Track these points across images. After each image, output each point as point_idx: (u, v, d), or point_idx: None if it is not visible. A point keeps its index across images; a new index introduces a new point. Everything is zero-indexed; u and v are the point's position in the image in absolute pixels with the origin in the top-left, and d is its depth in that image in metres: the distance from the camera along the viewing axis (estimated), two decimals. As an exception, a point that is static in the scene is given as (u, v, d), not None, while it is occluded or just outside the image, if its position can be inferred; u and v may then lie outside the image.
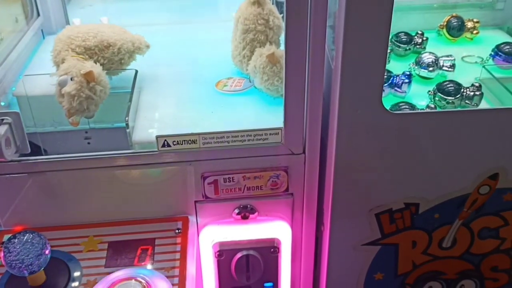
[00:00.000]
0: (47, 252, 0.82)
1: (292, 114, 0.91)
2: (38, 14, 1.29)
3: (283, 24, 1.11)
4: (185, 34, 1.39)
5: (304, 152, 0.95)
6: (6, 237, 0.94)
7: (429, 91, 1.05)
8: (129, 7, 1.48)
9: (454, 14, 1.28)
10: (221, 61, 1.22)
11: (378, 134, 0.90)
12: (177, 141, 0.91)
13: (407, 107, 0.99)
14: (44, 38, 1.33)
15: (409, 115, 0.93)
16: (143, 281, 0.84)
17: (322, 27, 0.83)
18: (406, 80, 1.07)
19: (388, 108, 0.90)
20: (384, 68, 0.83)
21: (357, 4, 0.77)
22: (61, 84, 0.94)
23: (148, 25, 1.33)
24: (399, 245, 1.03)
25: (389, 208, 0.98)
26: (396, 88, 1.07)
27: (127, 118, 0.96)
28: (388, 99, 1.05)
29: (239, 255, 1.00)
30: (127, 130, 0.96)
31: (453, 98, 1.01)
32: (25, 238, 0.80)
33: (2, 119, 0.85)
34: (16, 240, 0.80)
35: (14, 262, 0.80)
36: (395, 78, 1.07)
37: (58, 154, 1.09)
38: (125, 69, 1.08)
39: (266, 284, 1.05)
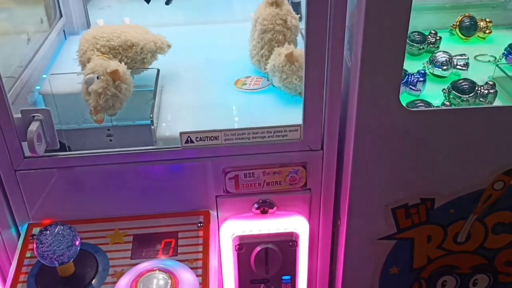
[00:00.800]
0: (77, 243, 0.85)
1: (311, 111, 0.94)
2: (61, 15, 1.32)
3: (300, 24, 1.15)
4: (201, 34, 1.42)
5: (322, 148, 0.98)
6: (35, 230, 0.97)
7: (443, 89, 1.08)
8: (145, 8, 1.51)
9: (466, 14, 1.30)
10: (238, 61, 1.25)
11: (395, 131, 0.93)
12: (200, 137, 0.94)
13: (422, 104, 1.01)
14: (66, 38, 1.37)
15: (425, 112, 0.96)
16: (168, 271, 0.87)
17: (341, 26, 0.85)
18: (421, 79, 1.09)
19: (404, 105, 0.93)
20: (402, 66, 0.85)
21: (377, 3, 0.80)
22: (88, 83, 0.98)
23: (164, 25, 1.36)
24: (414, 240, 1.06)
25: (405, 203, 1.00)
26: (411, 87, 1.10)
27: (151, 115, 0.99)
28: (403, 97, 1.07)
29: (258, 248, 1.03)
30: (152, 127, 0.99)
31: (467, 96, 1.04)
32: (57, 230, 0.84)
33: (34, 116, 0.89)
34: (48, 232, 0.84)
35: (46, 253, 0.83)
36: (410, 77, 1.09)
37: (81, 150, 1.13)
38: (148, 68, 1.12)
39: (284, 277, 1.08)
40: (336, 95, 0.92)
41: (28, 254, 0.93)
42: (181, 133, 0.94)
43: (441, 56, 1.15)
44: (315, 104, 0.93)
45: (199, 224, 0.99)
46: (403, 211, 1.01)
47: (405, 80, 1.09)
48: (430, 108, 1.00)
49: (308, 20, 0.85)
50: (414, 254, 1.08)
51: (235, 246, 1.03)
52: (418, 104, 1.01)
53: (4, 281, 1.04)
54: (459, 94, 1.04)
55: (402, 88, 1.09)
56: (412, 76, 1.10)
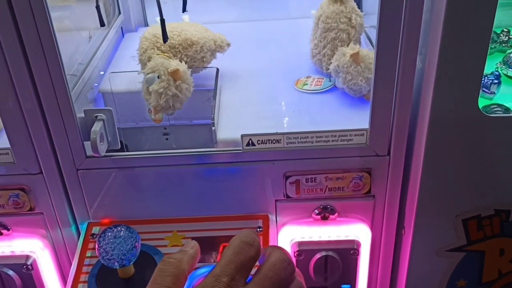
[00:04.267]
0: (138, 246, 0.84)
1: (379, 115, 0.89)
2: (119, 12, 1.32)
3: (364, 22, 1.10)
4: (256, 31, 1.39)
5: (389, 153, 0.93)
6: (94, 229, 0.98)
7: (520, 92, 1.01)
8: (199, 5, 1.50)
9: (543, 10, 1.21)
10: (297, 59, 1.22)
11: (471, 138, 0.87)
12: (262, 140, 0.92)
13: (499, 109, 0.95)
14: (123, 36, 1.37)
15: (505, 119, 0.89)
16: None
17: (417, 25, 0.80)
18: (496, 81, 1.02)
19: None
20: (483, 69, 0.79)
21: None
22: (149, 82, 0.97)
23: (218, 22, 1.34)
24: (485, 252, 1.00)
25: (477, 214, 0.94)
26: (484, 89, 1.03)
27: (213, 116, 0.97)
28: (477, 101, 1.01)
29: (318, 255, 0.99)
30: (213, 128, 0.97)
31: (548, 100, 0.96)
32: (118, 231, 0.83)
33: (96, 116, 0.88)
34: (110, 233, 0.83)
35: (106, 255, 0.82)
36: (483, 79, 1.03)
37: (137, 149, 1.12)
38: (207, 67, 1.10)
39: (344, 286, 1.04)
40: (406, 98, 0.87)
41: (88, 254, 0.93)
42: (242, 136, 0.91)
43: (516, 57, 1.08)
44: (383, 108, 0.88)
45: (258, 229, 0.96)
46: (475, 223, 0.95)
47: (478, 82, 1.02)
48: (510, 115, 0.93)
49: (381, 18, 0.80)
50: (484, 267, 1.02)
51: (294, 252, 0.99)
52: (495, 109, 0.95)
53: (63, 277, 1.05)
54: (538, 98, 0.97)
55: (475, 91, 1.03)
56: (486, 78, 1.03)
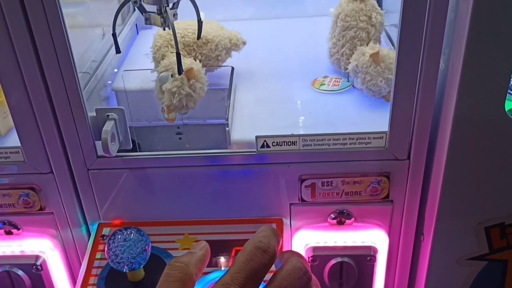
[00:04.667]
0: (148, 249, 0.82)
1: (399, 117, 0.86)
2: (134, 9, 1.30)
3: (385, 21, 1.06)
4: (273, 29, 1.36)
5: (409, 158, 0.90)
6: (105, 230, 0.96)
7: (548, 95, 0.96)
8: (214, 2, 1.47)
9: None
10: (314, 59, 1.18)
11: (496, 142, 0.83)
12: (277, 142, 0.89)
13: (526, 113, 0.90)
14: (138, 33, 1.35)
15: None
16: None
17: (441, 25, 0.77)
18: (523, 83, 0.98)
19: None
20: (510, 70, 0.75)
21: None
22: (162, 81, 0.95)
23: (234, 20, 1.31)
24: (508, 262, 0.96)
25: (501, 222, 0.90)
26: (510, 92, 0.99)
27: (227, 116, 0.95)
28: (502, 103, 0.97)
29: (333, 261, 0.96)
30: (227, 129, 0.95)
31: None
32: (128, 234, 0.81)
33: (108, 115, 0.86)
34: (119, 236, 0.81)
35: (116, 257, 0.81)
36: (511, 81, 0.98)
37: (150, 148, 1.11)
38: (222, 65, 1.07)
39: (359, 293, 1.01)
40: (429, 101, 0.83)
41: (98, 256, 0.91)
42: (257, 137, 0.88)
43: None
44: (404, 110, 0.85)
45: (272, 233, 0.93)
46: (498, 231, 0.91)
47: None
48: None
49: (403, 17, 0.77)
50: (506, 277, 0.98)
51: (309, 257, 0.96)
52: (522, 113, 0.90)
53: (73, 278, 1.04)
54: None
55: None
56: (512, 80, 0.99)
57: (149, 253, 0.83)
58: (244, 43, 1.08)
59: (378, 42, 1.05)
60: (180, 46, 1.01)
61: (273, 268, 0.53)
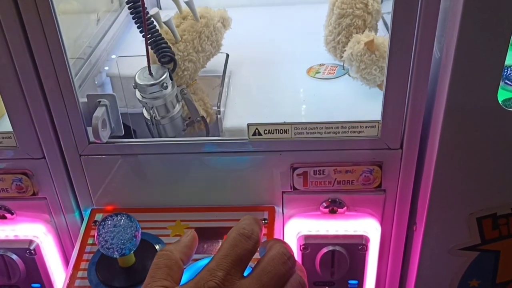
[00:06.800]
0: (138, 235, 0.82)
1: (392, 106, 0.85)
2: (131, -5, 1.29)
3: (382, 8, 1.05)
4: (269, 17, 1.35)
5: (401, 147, 0.89)
6: (97, 216, 0.96)
7: (545, 85, 0.95)
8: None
9: None
10: (310, 46, 1.17)
11: (488, 132, 0.82)
12: (269, 130, 0.88)
13: (521, 103, 0.89)
14: (135, 18, 1.34)
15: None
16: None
17: (434, 11, 0.75)
18: (519, 73, 0.97)
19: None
20: (504, 60, 0.74)
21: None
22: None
23: (229, 6, 1.30)
24: (500, 252, 0.95)
25: (493, 213, 0.90)
26: (506, 81, 0.98)
27: (219, 104, 0.94)
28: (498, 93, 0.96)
29: (325, 250, 0.96)
30: (219, 116, 0.94)
31: None
32: (118, 220, 0.81)
33: (99, 101, 0.86)
34: (109, 222, 0.81)
35: (106, 243, 0.81)
36: (506, 70, 0.97)
37: (145, 135, 1.10)
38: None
39: (351, 281, 1.01)
40: (421, 90, 0.82)
41: (90, 241, 0.92)
42: (248, 125, 0.88)
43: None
44: (397, 99, 0.84)
45: (263, 221, 0.93)
46: (490, 221, 0.91)
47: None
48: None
49: (396, 2, 0.76)
50: (498, 267, 0.97)
51: (300, 246, 0.97)
52: (516, 103, 0.90)
53: (66, 263, 1.04)
54: None
55: (496, 83, 0.97)
56: (509, 69, 0.98)
57: (139, 239, 0.83)
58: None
59: (375, 30, 1.04)
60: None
61: (258, 256, 0.53)
